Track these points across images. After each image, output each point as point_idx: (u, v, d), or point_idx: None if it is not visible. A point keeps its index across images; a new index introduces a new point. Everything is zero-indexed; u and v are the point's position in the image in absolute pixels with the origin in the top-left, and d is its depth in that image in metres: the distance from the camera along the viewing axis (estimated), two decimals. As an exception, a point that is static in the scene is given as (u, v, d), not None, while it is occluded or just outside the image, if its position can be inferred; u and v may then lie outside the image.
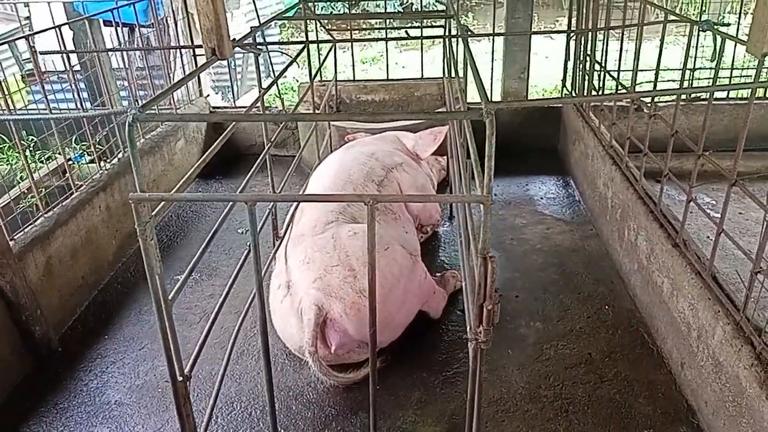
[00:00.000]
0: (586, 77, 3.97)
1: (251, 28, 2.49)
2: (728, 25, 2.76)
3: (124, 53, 4.25)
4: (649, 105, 2.94)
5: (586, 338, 2.62)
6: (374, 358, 1.63)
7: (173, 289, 1.59)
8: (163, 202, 1.47)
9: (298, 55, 3.14)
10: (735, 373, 1.88)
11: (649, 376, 2.40)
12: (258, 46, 2.23)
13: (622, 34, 3.37)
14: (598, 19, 3.74)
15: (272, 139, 2.59)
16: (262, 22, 2.61)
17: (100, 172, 3.35)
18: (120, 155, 3.59)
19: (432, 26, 4.68)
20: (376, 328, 1.58)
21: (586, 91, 3.97)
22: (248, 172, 2.34)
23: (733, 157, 1.96)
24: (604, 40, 3.63)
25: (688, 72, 2.60)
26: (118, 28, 4.21)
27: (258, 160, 2.43)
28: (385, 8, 5.07)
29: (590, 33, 3.86)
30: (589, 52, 3.88)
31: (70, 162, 4.21)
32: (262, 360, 1.70)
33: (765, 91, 4.30)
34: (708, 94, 2.16)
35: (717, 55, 2.07)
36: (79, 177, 3.39)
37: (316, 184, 3.02)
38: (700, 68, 3.70)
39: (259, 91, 2.42)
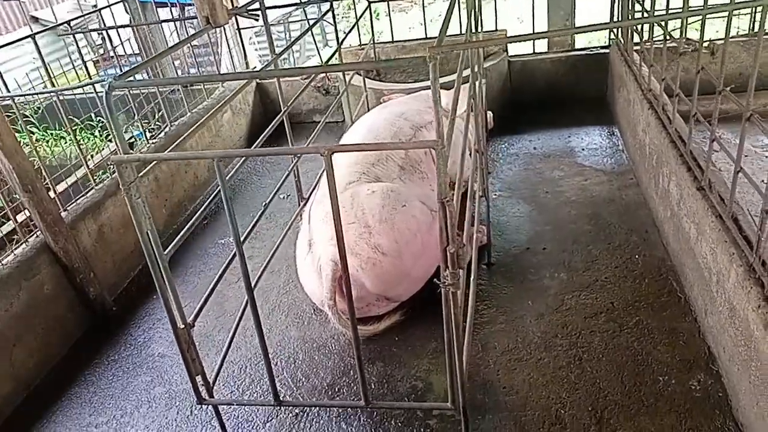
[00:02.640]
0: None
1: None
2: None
3: (179, 29, 4.48)
4: (689, 42, 2.77)
5: (611, 288, 2.56)
6: (351, 304, 1.70)
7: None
8: (153, 163, 1.58)
9: (324, 14, 3.17)
10: (745, 316, 1.79)
11: (672, 324, 2.32)
12: (252, 12, 2.30)
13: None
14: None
15: (289, 103, 2.67)
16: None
17: (148, 145, 3.58)
18: (167, 129, 3.81)
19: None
20: (348, 274, 1.64)
21: (629, 35, 3.76)
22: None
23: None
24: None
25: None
26: (171, 9, 4.44)
27: (274, 121, 2.53)
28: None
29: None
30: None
31: (131, 139, 4.51)
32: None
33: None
34: (728, 13, 2.01)
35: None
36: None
37: (344, 146, 3.09)
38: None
39: (272, 54, 2.50)
